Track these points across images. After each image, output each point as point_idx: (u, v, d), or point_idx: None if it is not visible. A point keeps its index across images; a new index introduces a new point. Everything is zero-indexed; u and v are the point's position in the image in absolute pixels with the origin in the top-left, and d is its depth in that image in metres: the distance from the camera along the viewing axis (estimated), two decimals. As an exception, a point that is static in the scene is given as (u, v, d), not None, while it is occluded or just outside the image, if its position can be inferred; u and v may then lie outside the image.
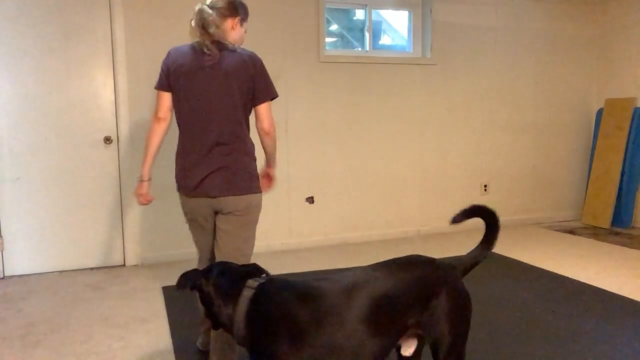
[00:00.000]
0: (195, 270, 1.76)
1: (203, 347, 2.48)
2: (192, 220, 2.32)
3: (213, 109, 2.17)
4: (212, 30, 2.16)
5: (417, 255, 1.71)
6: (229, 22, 2.25)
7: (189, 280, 1.72)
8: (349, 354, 1.47)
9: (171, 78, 2.21)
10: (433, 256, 1.74)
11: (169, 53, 2.29)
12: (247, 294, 1.58)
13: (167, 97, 2.26)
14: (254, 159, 2.26)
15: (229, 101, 2.16)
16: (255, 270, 1.73)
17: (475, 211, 1.74)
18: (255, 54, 2.22)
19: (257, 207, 2.27)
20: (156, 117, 2.31)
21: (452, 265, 1.69)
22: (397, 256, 1.68)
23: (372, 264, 1.64)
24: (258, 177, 2.28)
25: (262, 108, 2.21)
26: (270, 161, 2.37)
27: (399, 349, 1.65)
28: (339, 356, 1.46)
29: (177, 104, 2.25)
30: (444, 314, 1.57)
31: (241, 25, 2.30)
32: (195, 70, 2.17)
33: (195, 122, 2.21)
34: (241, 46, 2.30)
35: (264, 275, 1.70)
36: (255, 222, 2.30)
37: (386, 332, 1.51)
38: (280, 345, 1.47)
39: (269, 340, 1.49)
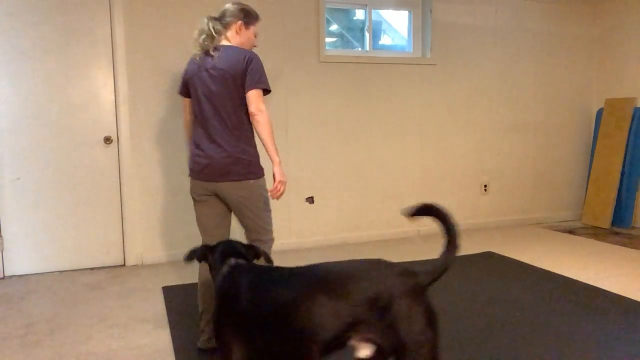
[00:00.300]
0: (203, 245, 2.01)
1: (203, 345, 2.49)
2: (195, 200, 2.57)
3: (215, 105, 2.43)
4: (200, 40, 2.47)
5: (381, 259, 1.66)
6: (233, 28, 2.52)
7: (195, 253, 1.99)
8: (285, 343, 1.58)
9: (187, 84, 2.56)
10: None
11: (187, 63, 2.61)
12: (224, 270, 1.84)
13: (185, 102, 2.63)
14: (254, 147, 2.49)
15: (227, 96, 2.41)
16: (251, 252, 1.99)
17: (428, 210, 1.65)
18: (252, 53, 2.44)
19: (256, 190, 2.47)
20: (183, 118, 2.72)
21: (414, 272, 1.61)
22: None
23: (337, 261, 1.69)
24: (258, 164, 2.48)
25: (250, 94, 2.40)
26: (268, 152, 2.42)
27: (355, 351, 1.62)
28: (274, 342, 1.60)
29: (191, 104, 2.57)
30: (398, 321, 1.51)
31: (247, 28, 2.55)
32: (199, 74, 2.47)
33: (202, 117, 2.48)
34: (255, 46, 2.59)
35: (260, 258, 2.00)
36: (262, 202, 2.49)
37: (324, 329, 1.54)
38: (224, 322, 1.72)
39: (219, 313, 1.75)
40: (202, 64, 2.45)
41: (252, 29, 2.56)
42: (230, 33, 2.51)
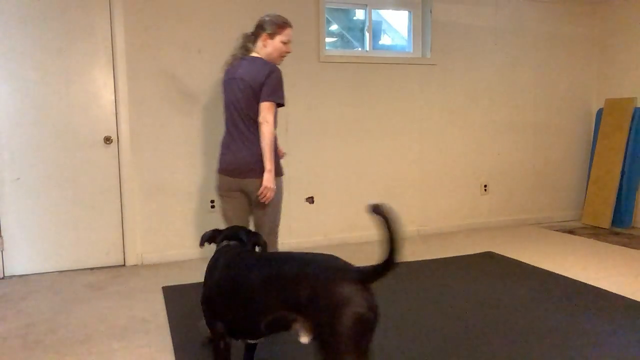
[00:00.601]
0: (213, 229, 2.24)
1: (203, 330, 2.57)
2: (221, 197, 2.83)
3: (239, 110, 2.70)
4: (234, 53, 2.84)
5: (333, 256, 1.71)
6: (260, 40, 2.76)
7: (205, 236, 2.22)
8: (241, 316, 1.82)
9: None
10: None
11: None
12: (217, 248, 2.11)
13: None
14: (274, 148, 2.71)
15: (248, 104, 2.67)
16: (253, 239, 2.17)
17: (378, 211, 1.57)
18: (273, 67, 2.67)
19: (277, 189, 2.71)
20: None
21: (350, 272, 1.61)
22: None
23: (301, 253, 1.80)
24: (277, 163, 2.73)
25: (261, 105, 2.65)
26: (263, 159, 2.64)
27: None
28: (234, 314, 1.85)
29: (223, 109, 2.88)
30: (319, 317, 1.56)
31: (271, 38, 2.75)
32: (229, 83, 2.78)
33: (228, 119, 2.78)
34: (287, 52, 2.80)
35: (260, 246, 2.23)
36: (278, 199, 2.73)
37: (268, 310, 1.71)
38: (203, 289, 2.00)
39: (203, 288, 2.01)
40: (232, 74, 2.77)
41: (278, 38, 2.75)
42: (259, 45, 2.76)
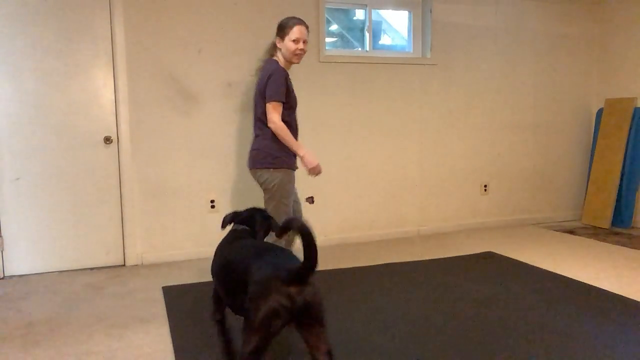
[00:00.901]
0: (233, 212, 2.48)
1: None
2: None
3: (255, 108, 3.06)
4: (261, 59, 3.18)
5: (286, 254, 1.88)
6: (277, 44, 3.03)
7: (227, 220, 2.44)
8: (229, 292, 2.05)
9: None
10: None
11: None
12: (229, 230, 2.39)
13: None
14: (277, 142, 2.97)
15: (260, 102, 2.99)
16: (265, 224, 2.36)
17: (293, 225, 1.73)
18: (275, 69, 2.91)
19: (273, 178, 2.96)
20: None
21: (280, 268, 1.75)
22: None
23: (264, 244, 2.02)
24: (277, 156, 2.96)
25: (266, 106, 2.93)
26: (289, 147, 2.95)
27: None
28: (224, 288, 2.10)
29: None
30: (250, 303, 1.75)
31: (283, 40, 2.97)
32: (256, 83, 3.08)
33: (253, 117, 3.12)
34: (300, 49, 2.98)
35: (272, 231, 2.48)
36: (278, 190, 2.96)
37: (239, 292, 1.88)
38: (212, 264, 2.27)
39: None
40: (257, 77, 3.08)
41: (287, 38, 2.94)
42: (277, 48, 3.03)
